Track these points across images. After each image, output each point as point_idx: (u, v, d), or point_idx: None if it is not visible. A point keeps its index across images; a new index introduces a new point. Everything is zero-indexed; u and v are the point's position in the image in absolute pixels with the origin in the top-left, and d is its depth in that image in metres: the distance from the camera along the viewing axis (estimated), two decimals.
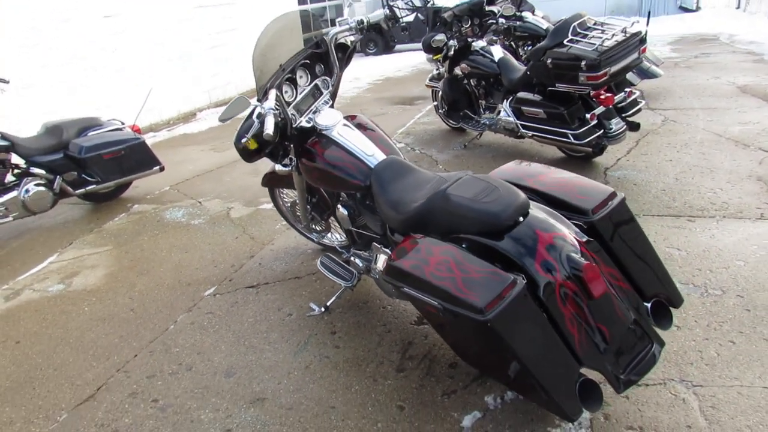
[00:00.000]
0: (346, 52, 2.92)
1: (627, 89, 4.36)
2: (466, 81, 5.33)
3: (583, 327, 1.91)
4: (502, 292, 1.76)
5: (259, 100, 2.58)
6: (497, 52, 5.02)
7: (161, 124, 7.92)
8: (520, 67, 4.73)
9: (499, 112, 4.84)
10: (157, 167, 4.93)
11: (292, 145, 2.78)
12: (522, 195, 2.03)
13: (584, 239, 1.99)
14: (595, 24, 4.25)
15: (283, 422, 2.19)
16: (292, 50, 2.79)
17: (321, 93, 2.84)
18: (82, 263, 3.79)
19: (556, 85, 4.21)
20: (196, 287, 3.30)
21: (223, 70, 9.19)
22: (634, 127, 4.30)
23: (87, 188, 4.61)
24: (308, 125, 2.70)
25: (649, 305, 2.04)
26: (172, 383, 2.49)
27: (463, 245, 2.04)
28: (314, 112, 2.75)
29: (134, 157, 4.73)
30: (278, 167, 3.00)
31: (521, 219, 1.99)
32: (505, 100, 4.75)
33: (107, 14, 7.11)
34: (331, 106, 2.86)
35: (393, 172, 2.47)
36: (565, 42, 4.09)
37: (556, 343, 1.83)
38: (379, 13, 2.89)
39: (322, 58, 2.85)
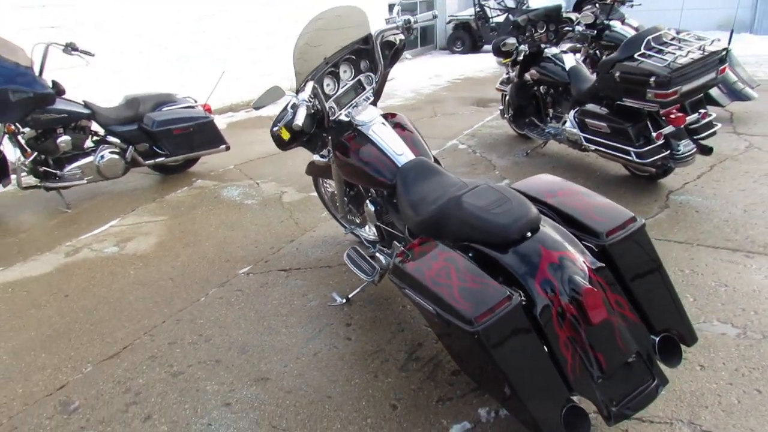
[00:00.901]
0: (393, 50, 2.94)
1: (701, 110, 4.10)
2: (534, 88, 5.21)
3: (578, 352, 1.84)
4: (494, 305, 1.74)
5: (297, 91, 2.65)
6: (569, 60, 4.87)
7: (241, 105, 8.24)
8: (591, 78, 4.57)
9: (565, 122, 4.70)
10: (223, 146, 5.16)
11: (330, 137, 2.83)
12: (534, 210, 1.98)
13: (592, 262, 1.92)
14: (672, 39, 4.03)
15: (279, 404, 2.26)
16: (341, 44, 2.83)
17: (364, 89, 2.87)
18: (139, 230, 4.04)
19: (624, 99, 4.04)
20: (233, 264, 3.44)
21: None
22: (706, 151, 4.05)
23: (156, 160, 4.89)
24: (346, 119, 2.75)
25: (656, 340, 1.94)
26: (189, 352, 2.62)
27: (470, 254, 2.02)
28: (354, 107, 2.79)
29: (202, 134, 4.97)
30: (316, 157, 3.08)
31: (529, 234, 1.94)
32: (571, 111, 4.60)
33: (200, 15, 7.50)
34: (373, 103, 2.89)
35: (418, 173, 2.47)
36: (636, 55, 3.91)
37: (545, 365, 1.78)
38: (427, 15, 2.88)
39: (368, 55, 2.88)
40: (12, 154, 4.40)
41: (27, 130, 4.30)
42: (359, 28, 2.85)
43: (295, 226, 3.97)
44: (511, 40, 4.96)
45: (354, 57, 2.84)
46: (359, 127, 2.70)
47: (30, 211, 4.53)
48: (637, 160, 3.99)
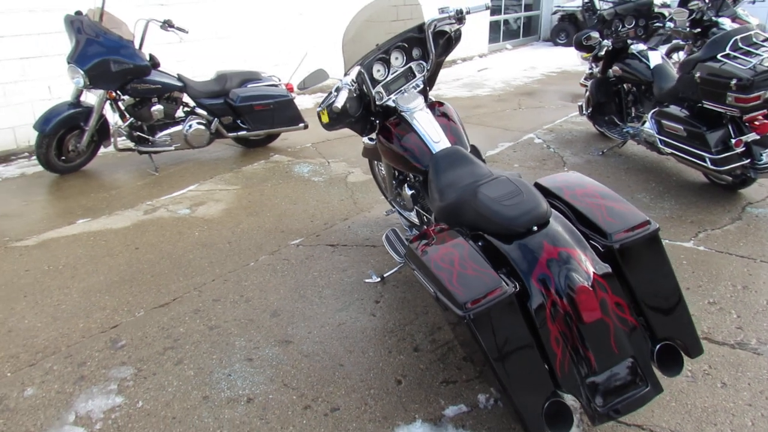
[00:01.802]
0: (445, 39, 2.98)
1: None
2: (617, 85, 5.02)
3: (568, 349, 1.85)
4: (487, 293, 1.79)
5: (346, 74, 2.77)
6: (655, 58, 4.64)
7: (329, 87, 8.50)
8: (676, 78, 4.34)
9: (645, 122, 4.51)
10: (302, 124, 5.41)
11: (377, 121, 2.94)
12: (543, 205, 1.99)
13: (595, 262, 1.91)
14: (765, 41, 3.75)
15: (295, 365, 2.43)
16: (393, 32, 2.92)
17: (414, 76, 2.94)
18: (211, 196, 4.37)
19: (704, 102, 3.83)
20: (287, 235, 3.66)
21: None
22: None
23: (239, 133, 5.23)
24: (392, 105, 2.84)
25: (657, 347, 1.90)
26: (228, 309, 2.86)
27: (480, 243, 2.07)
28: (401, 94, 2.87)
29: (282, 112, 5.25)
30: (365, 140, 3.20)
31: (535, 228, 1.96)
32: (651, 111, 4.41)
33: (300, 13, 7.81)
34: (423, 91, 2.95)
35: (450, 161, 2.53)
36: (719, 56, 3.69)
37: (531, 357, 1.81)
38: (480, 5, 2.89)
39: (420, 43, 2.94)
40: (112, 119, 4.88)
41: (126, 97, 4.75)
42: (410, 15, 2.92)
43: (353, 205, 4.13)
44: (595, 34, 4.80)
45: (406, 45, 2.91)
46: (403, 113, 2.79)
47: (123, 171, 5.02)
48: (712, 167, 3.78)
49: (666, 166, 4.68)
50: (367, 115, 2.93)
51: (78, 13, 4.61)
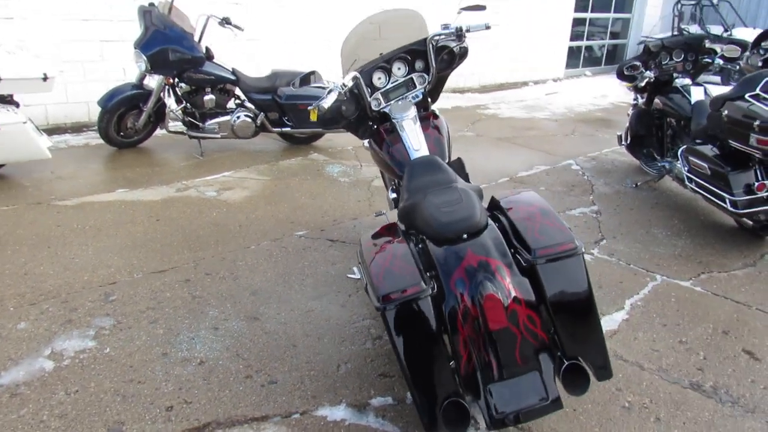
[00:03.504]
0: (449, 54, 3.09)
1: None
2: (660, 118, 4.91)
3: (474, 353, 1.94)
4: (405, 290, 1.91)
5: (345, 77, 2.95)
6: (697, 94, 4.52)
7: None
8: None
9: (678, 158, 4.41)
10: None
11: (373, 126, 3.10)
12: (476, 216, 2.08)
13: (513, 274, 1.98)
14: None
15: (253, 339, 2.63)
16: (397, 43, 3.06)
17: (415, 87, 3.07)
18: (241, 183, 4.68)
19: (729, 141, 3.72)
20: (294, 226, 3.88)
21: (470, 61, 9.63)
22: None
23: (283, 129, 5.54)
24: (386, 112, 2.99)
25: (565, 365, 1.94)
26: (215, 283, 3.10)
27: (420, 246, 2.19)
28: (397, 102, 3.01)
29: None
30: (365, 143, 3.36)
31: (465, 236, 2.05)
32: (682, 147, 4.31)
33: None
34: (421, 102, 3.06)
35: (422, 168, 2.64)
36: (747, 96, 3.58)
37: (436, 356, 1.90)
38: (480, 25, 2.97)
39: (424, 56, 3.06)
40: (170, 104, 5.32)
41: (183, 85, 5.17)
42: (417, 30, 3.05)
43: (368, 207, 4.29)
44: (637, 64, 4.73)
45: (409, 57, 3.04)
46: (393, 120, 2.93)
47: (172, 151, 5.44)
48: (731, 209, 3.66)
49: (696, 206, 4.53)
50: (365, 119, 3.09)
51: (151, 4, 5.07)
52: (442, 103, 8.63)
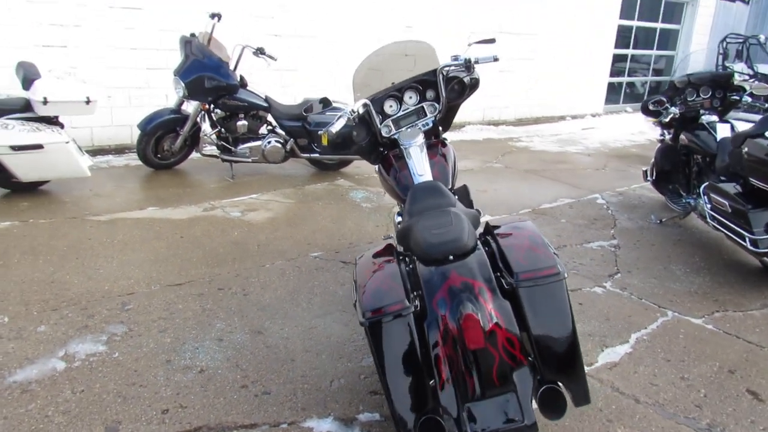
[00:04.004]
0: (459, 85, 3.18)
1: None
2: (687, 154, 4.87)
3: (453, 372, 1.98)
4: (388, 306, 1.98)
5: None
6: (723, 130, 4.47)
7: None
8: None
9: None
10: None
11: (383, 152, 3.21)
12: (464, 239, 2.13)
13: (495, 297, 2.02)
14: None
15: (254, 352, 2.73)
16: (408, 73, 3.18)
17: (425, 115, 3.17)
18: (265, 205, 4.85)
19: (750, 178, 3.67)
20: (311, 248, 4.00)
21: (506, 94, 9.73)
22: None
23: (311, 155, 5.72)
24: (395, 138, 3.10)
25: (542, 388, 1.96)
26: (226, 298, 3.23)
27: (410, 266, 2.27)
28: (407, 130, 3.11)
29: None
30: (376, 169, 3.47)
31: (451, 258, 2.11)
32: (704, 184, 4.26)
33: (408, 24, 8.31)
34: (432, 132, 3.15)
35: (424, 193, 2.72)
36: (766, 133, 3.54)
37: (415, 372, 1.95)
38: (489, 57, 3.06)
39: (434, 86, 3.17)
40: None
41: (218, 111, 5.43)
42: (428, 61, 3.17)
43: (385, 231, 4.38)
44: (663, 99, 4.72)
45: (420, 87, 3.15)
46: (402, 146, 3.03)
47: (205, 174, 5.69)
48: (751, 248, 3.59)
49: (721, 244, 4.44)
50: (377, 145, 3.20)
51: (192, 35, 5.39)
52: (474, 134, 8.74)
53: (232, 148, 5.52)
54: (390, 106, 3.10)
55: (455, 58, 3.09)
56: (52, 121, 4.50)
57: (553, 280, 2.00)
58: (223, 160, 5.58)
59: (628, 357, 2.87)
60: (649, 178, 5.20)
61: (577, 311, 3.28)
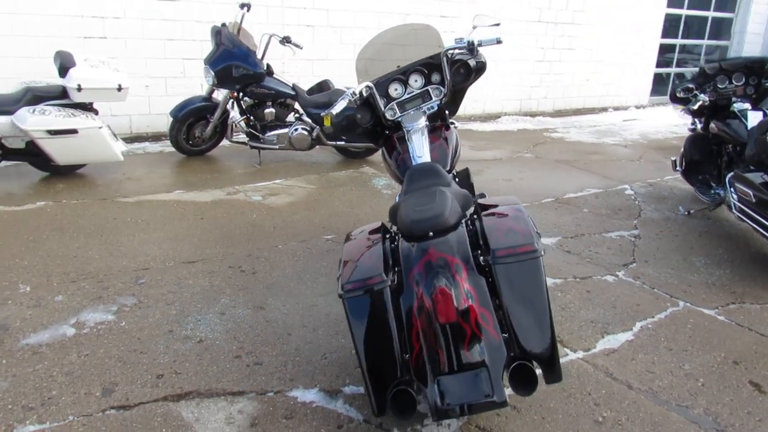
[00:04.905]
0: (465, 68, 3.17)
1: None
2: (718, 144, 4.70)
3: (426, 345, 2.01)
4: (365, 280, 2.04)
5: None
6: (755, 118, 4.30)
7: (460, 117, 8.82)
8: None
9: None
10: None
11: (388, 134, 3.24)
12: (444, 215, 2.14)
13: (470, 273, 2.04)
14: None
15: (253, 325, 2.82)
16: (413, 56, 3.20)
17: (431, 99, 3.19)
18: (287, 190, 4.96)
19: None
20: (325, 230, 4.08)
21: (544, 84, 9.58)
22: None
23: (337, 143, 5.80)
24: (399, 121, 3.13)
25: (514, 364, 1.96)
26: (235, 277, 3.34)
27: (395, 243, 2.31)
28: (411, 113, 3.14)
29: None
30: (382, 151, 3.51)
31: (431, 234, 2.13)
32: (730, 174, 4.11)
33: (443, 14, 8.27)
34: (437, 115, 3.15)
35: (421, 174, 2.74)
36: None
37: (389, 344, 2.00)
38: (492, 39, 3.05)
39: (439, 69, 3.18)
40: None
41: (247, 99, 5.57)
42: (432, 44, 3.18)
43: None
44: (691, 86, 4.57)
45: (426, 70, 3.17)
46: (405, 129, 3.06)
47: (234, 160, 5.85)
48: None
49: (749, 237, 4.28)
50: (382, 128, 3.24)
51: (223, 25, 5.54)
52: (509, 125, 8.64)
53: (260, 136, 5.65)
54: (395, 90, 3.13)
55: (459, 40, 3.09)
56: (87, 107, 4.73)
57: (528, 257, 2.01)
58: (252, 147, 5.73)
59: (629, 344, 2.83)
60: (678, 168, 5.05)
61: (583, 298, 3.24)
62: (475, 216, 2.34)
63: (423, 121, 3.05)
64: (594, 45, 10.00)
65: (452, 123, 3.33)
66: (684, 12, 11.41)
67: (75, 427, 2.11)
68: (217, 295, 3.11)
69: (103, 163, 5.11)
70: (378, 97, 3.06)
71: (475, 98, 8.86)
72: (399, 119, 3.10)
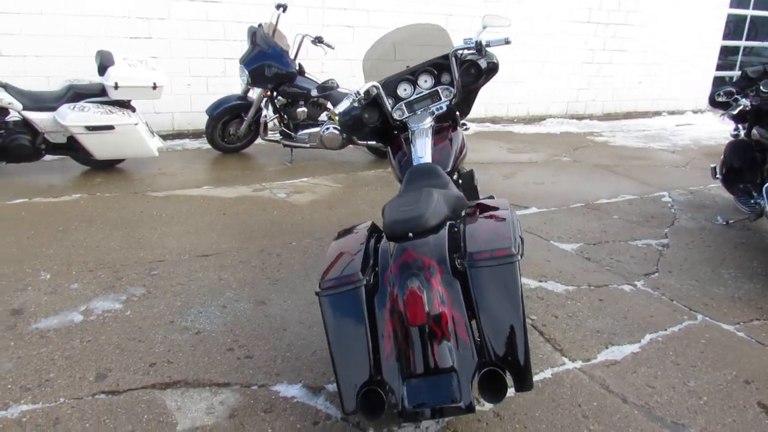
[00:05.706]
0: (475, 68, 3.13)
1: None
2: (760, 151, 4.44)
3: (396, 346, 2.00)
4: (341, 279, 2.05)
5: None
6: None
7: (502, 119, 8.70)
8: None
9: None
10: None
11: (396, 134, 3.23)
12: (424, 217, 2.12)
13: (445, 275, 2.01)
14: None
15: (251, 320, 2.87)
16: (422, 56, 3.18)
17: (440, 99, 3.16)
18: (312, 188, 5.02)
19: None
20: (341, 228, 4.09)
21: (592, 87, 9.30)
22: None
23: (368, 143, 5.83)
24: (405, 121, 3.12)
25: (484, 370, 1.92)
26: (245, 270, 3.41)
27: (378, 243, 2.31)
28: (418, 113, 3.11)
29: None
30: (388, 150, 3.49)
31: (411, 235, 2.12)
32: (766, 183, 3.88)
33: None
34: (447, 115, 3.12)
35: (420, 174, 2.73)
36: None
37: (360, 344, 2.00)
38: (500, 40, 2.98)
39: (449, 70, 3.14)
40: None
41: (281, 98, 5.68)
42: (441, 44, 3.15)
43: None
44: (732, 90, 4.34)
45: (435, 70, 3.14)
46: (410, 129, 3.05)
47: (267, 158, 5.97)
48: None
49: None
50: (390, 127, 3.23)
51: (259, 25, 5.67)
52: (553, 127, 8.46)
53: (293, 134, 5.75)
54: (404, 90, 3.12)
55: (467, 41, 3.04)
56: (125, 104, 4.93)
57: (503, 262, 1.96)
58: (284, 145, 5.83)
59: (633, 357, 2.71)
60: (717, 175, 4.80)
61: (594, 307, 3.14)
62: (462, 218, 2.31)
63: (429, 122, 3.03)
64: (647, 46, 9.63)
65: (464, 124, 3.29)
66: (749, 12, 10.83)
67: (64, 408, 2.20)
68: (223, 288, 3.18)
69: (140, 159, 5.31)
70: (385, 96, 3.06)
71: (519, 100, 8.71)
72: (406, 120, 3.08)
